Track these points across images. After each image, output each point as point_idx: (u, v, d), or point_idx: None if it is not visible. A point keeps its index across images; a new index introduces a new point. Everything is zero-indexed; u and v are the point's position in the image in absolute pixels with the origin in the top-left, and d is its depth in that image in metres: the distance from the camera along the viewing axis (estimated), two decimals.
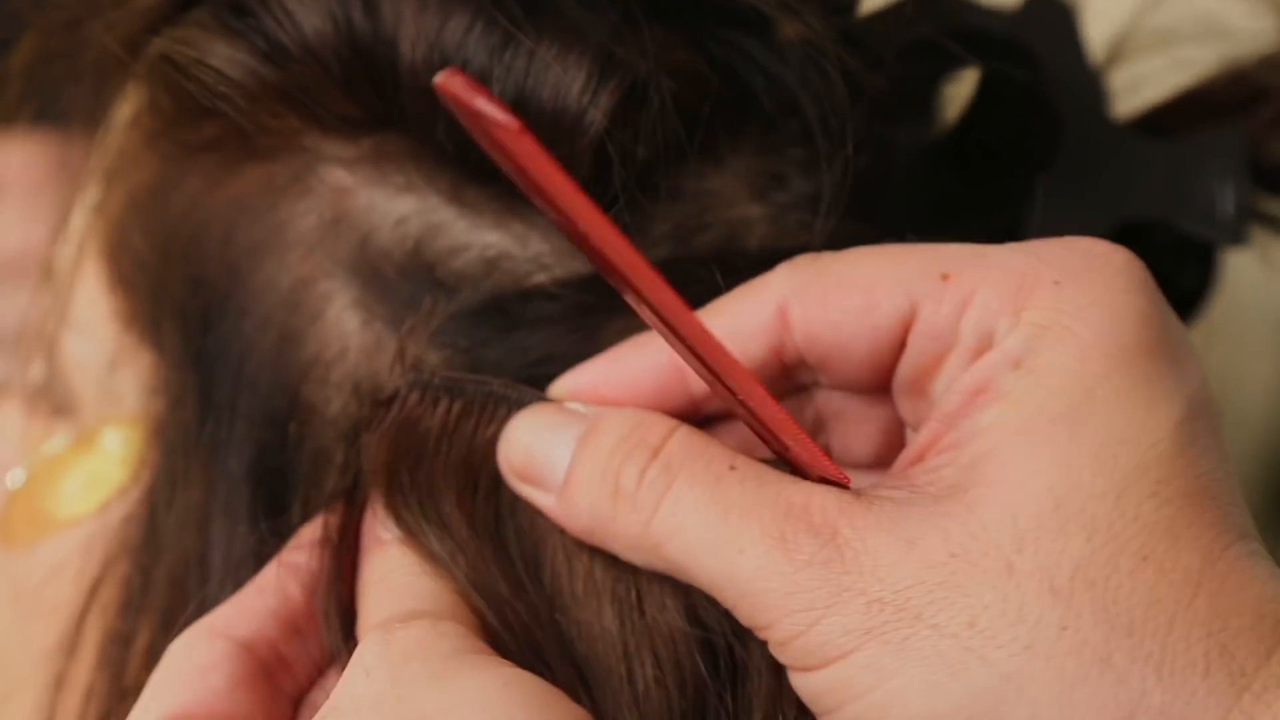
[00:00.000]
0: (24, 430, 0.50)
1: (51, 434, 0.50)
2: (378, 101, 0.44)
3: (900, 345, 0.42)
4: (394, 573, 0.43)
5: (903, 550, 0.40)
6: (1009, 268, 0.42)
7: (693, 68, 0.44)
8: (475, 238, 0.45)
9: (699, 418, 0.44)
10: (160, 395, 0.46)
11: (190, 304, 0.46)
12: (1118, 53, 0.53)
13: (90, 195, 0.49)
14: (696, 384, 0.43)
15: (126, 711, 0.45)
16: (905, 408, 0.43)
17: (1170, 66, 0.54)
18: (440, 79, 0.36)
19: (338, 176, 0.45)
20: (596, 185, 0.44)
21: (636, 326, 0.44)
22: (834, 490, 0.41)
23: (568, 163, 0.43)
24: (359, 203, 0.45)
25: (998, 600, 0.39)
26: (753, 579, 0.40)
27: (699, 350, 0.40)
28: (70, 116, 0.50)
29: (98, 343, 0.48)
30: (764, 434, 0.41)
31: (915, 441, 0.42)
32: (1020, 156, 0.49)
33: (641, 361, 0.43)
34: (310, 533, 0.44)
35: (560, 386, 0.44)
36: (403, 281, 0.45)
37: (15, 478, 0.50)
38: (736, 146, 0.45)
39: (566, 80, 0.43)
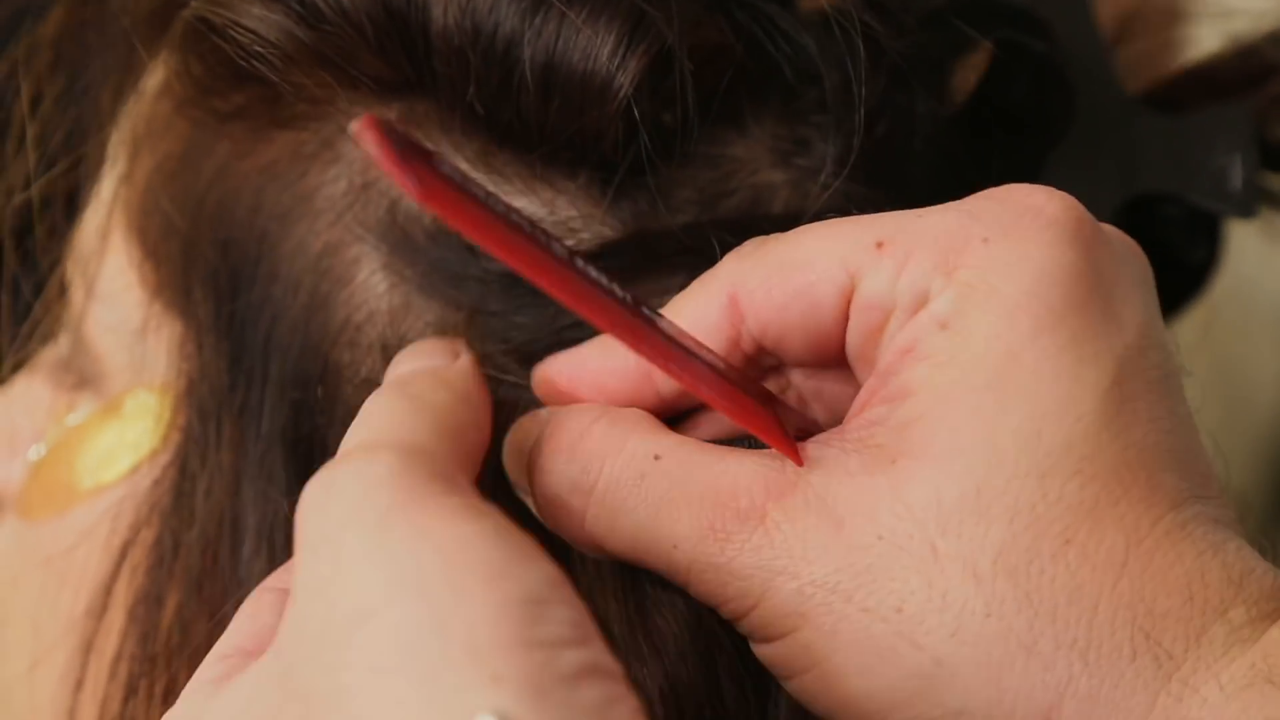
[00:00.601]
0: (51, 403, 0.50)
1: (76, 406, 0.50)
2: (409, 64, 0.45)
3: (844, 318, 0.42)
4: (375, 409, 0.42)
5: (831, 533, 0.40)
6: (942, 228, 0.41)
7: (718, 34, 0.45)
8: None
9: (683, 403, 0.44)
10: (190, 361, 0.47)
11: (220, 270, 0.47)
12: (1127, 28, 0.54)
13: (118, 164, 0.49)
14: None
15: (157, 676, 0.46)
16: (862, 379, 0.43)
17: (1178, 43, 0.55)
18: (354, 127, 0.36)
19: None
20: (624, 149, 0.44)
21: (663, 291, 0.45)
22: (763, 469, 0.41)
23: (596, 127, 0.44)
24: None
25: (923, 586, 0.39)
26: (690, 571, 0.41)
27: (642, 348, 0.40)
28: (99, 86, 0.50)
29: (125, 311, 0.48)
30: (732, 418, 0.42)
31: (856, 400, 0.42)
32: (1034, 128, 0.50)
33: (614, 350, 0.44)
34: None
35: (536, 375, 0.44)
36: (431, 246, 0.45)
37: (39, 449, 0.51)
38: (759, 113, 0.46)
39: (596, 45, 0.43)
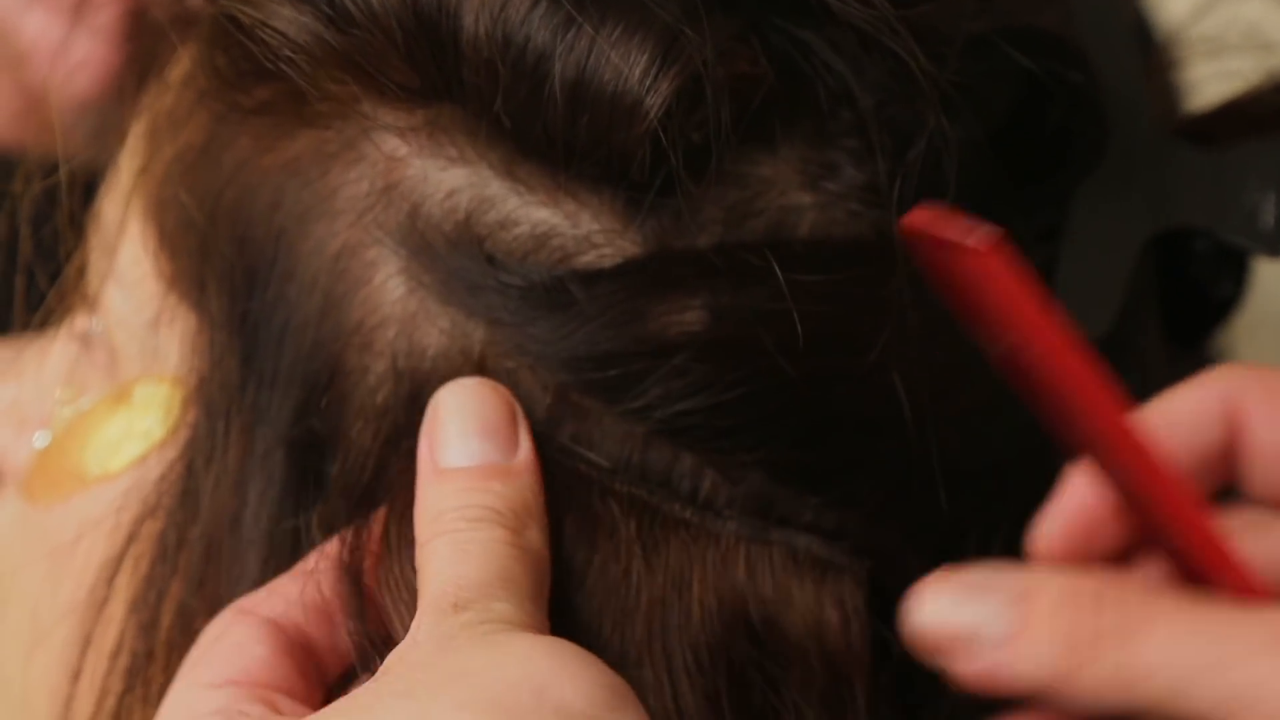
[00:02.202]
0: (61, 387, 0.50)
1: (86, 392, 0.50)
2: (437, 72, 0.44)
3: None
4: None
5: None
6: None
7: (751, 57, 0.44)
8: (526, 213, 0.45)
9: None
10: (202, 355, 0.46)
11: (235, 266, 0.46)
12: (1164, 60, 0.53)
13: (138, 154, 0.49)
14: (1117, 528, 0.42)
15: (155, 670, 0.46)
16: None
17: (1216, 76, 0.54)
18: (908, 220, 0.36)
19: (391, 145, 0.45)
20: (651, 169, 0.44)
21: (675, 312, 0.44)
22: None
23: (623, 146, 0.43)
24: (411, 172, 0.45)
25: None
26: (1260, 689, 0.38)
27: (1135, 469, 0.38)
28: (123, 74, 0.49)
29: (139, 301, 0.48)
30: (1190, 561, 0.40)
31: None
32: (1066, 158, 0.49)
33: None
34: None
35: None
36: (451, 253, 0.45)
37: (47, 432, 0.50)
38: (790, 134, 0.45)
39: (628, 65, 0.43)
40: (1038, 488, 0.49)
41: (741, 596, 0.44)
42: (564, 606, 0.44)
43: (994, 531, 0.48)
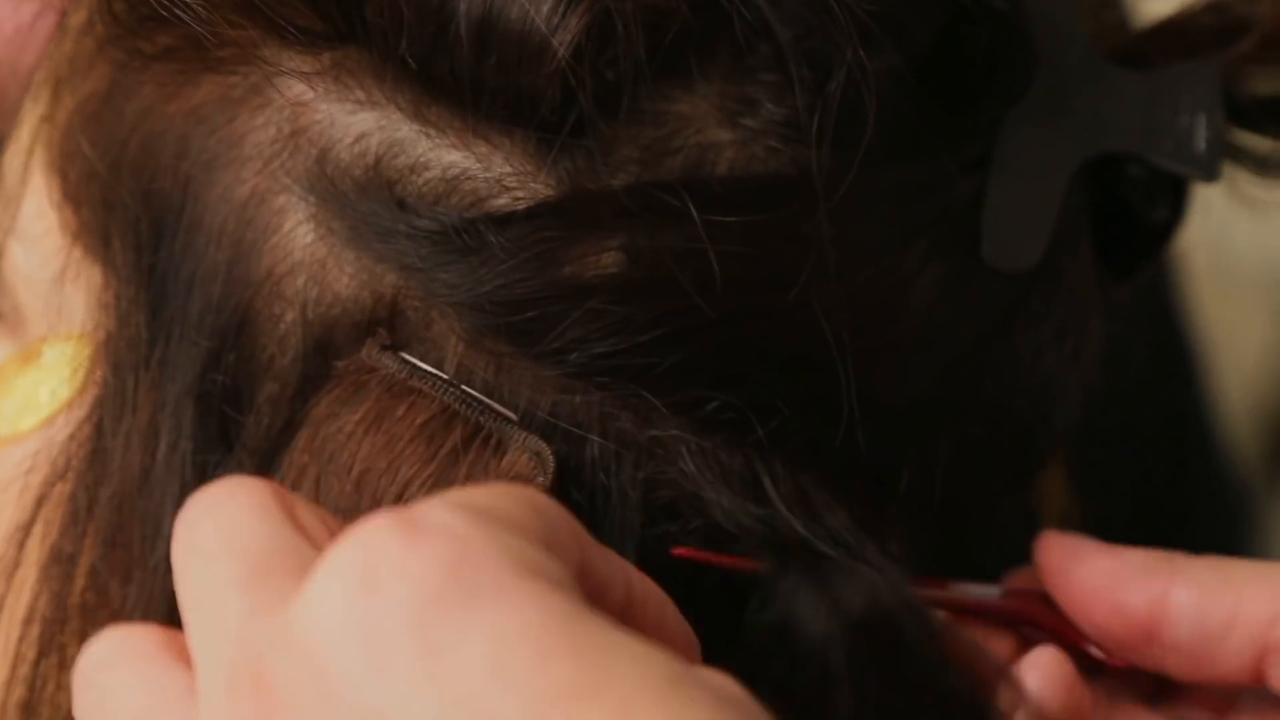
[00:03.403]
0: None
1: None
2: (339, 14, 0.43)
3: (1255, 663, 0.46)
4: None
5: None
6: None
7: None
8: (436, 157, 0.44)
9: None
10: (109, 311, 0.45)
11: (142, 217, 0.45)
12: None
13: (39, 104, 0.47)
14: None
15: (69, 635, 0.45)
16: None
17: None
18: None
19: (297, 90, 0.44)
20: (562, 110, 0.43)
21: (591, 254, 0.43)
22: None
23: (532, 87, 0.42)
24: (318, 117, 0.44)
25: None
26: None
27: None
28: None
29: (44, 256, 0.47)
30: None
31: None
32: (994, 86, 0.48)
33: None
34: None
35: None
36: (360, 198, 0.44)
37: None
38: (706, 70, 0.44)
39: (535, 2, 0.42)
40: (973, 426, 0.48)
41: None
42: None
43: (931, 472, 0.47)
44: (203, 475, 0.44)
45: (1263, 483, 1.00)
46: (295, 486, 0.44)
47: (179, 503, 0.44)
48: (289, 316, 0.44)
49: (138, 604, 0.45)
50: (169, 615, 0.44)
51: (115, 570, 0.45)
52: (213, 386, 0.44)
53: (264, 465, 0.44)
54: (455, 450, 0.44)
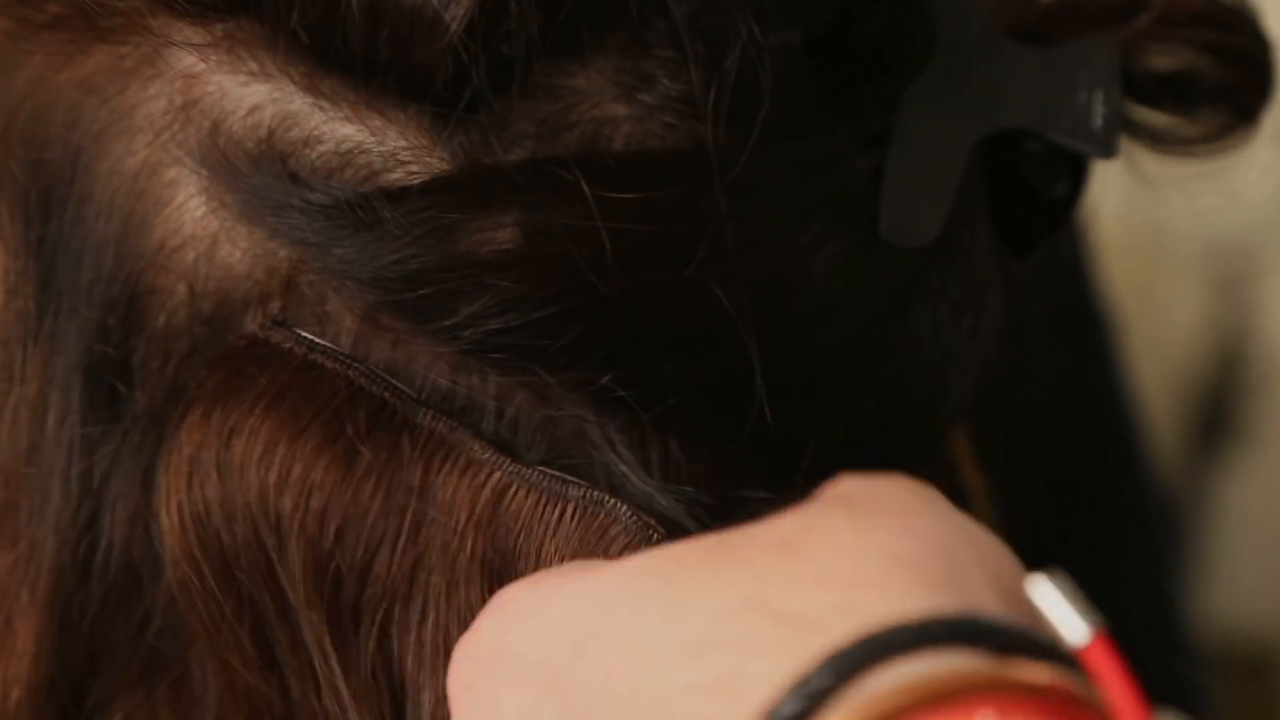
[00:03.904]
0: None
1: None
2: None
3: None
4: None
5: None
6: None
7: None
8: (330, 130, 0.44)
9: None
10: None
11: (31, 189, 0.45)
12: None
13: None
14: None
15: None
16: None
17: None
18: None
19: (188, 62, 0.44)
20: (456, 85, 0.42)
21: (487, 229, 0.43)
22: None
23: (425, 62, 0.42)
24: (210, 89, 0.44)
25: None
26: None
27: None
28: None
29: None
30: None
31: None
32: (892, 61, 0.48)
33: None
34: None
35: None
36: (253, 171, 0.43)
37: None
38: (601, 45, 0.44)
39: None
40: (870, 400, 0.48)
41: (515, 559, 0.44)
42: (334, 550, 0.43)
43: (829, 443, 0.47)
44: (91, 448, 0.43)
45: (1190, 459, 1.01)
46: (194, 463, 0.43)
47: (66, 475, 0.43)
48: (180, 290, 0.44)
49: (23, 578, 0.44)
50: (52, 590, 0.44)
51: (3, 544, 0.44)
52: (102, 359, 0.44)
53: (152, 438, 0.44)
54: (360, 429, 0.43)
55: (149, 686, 0.45)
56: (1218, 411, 0.98)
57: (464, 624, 0.43)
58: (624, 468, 0.44)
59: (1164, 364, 0.94)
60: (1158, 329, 0.94)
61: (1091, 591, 0.42)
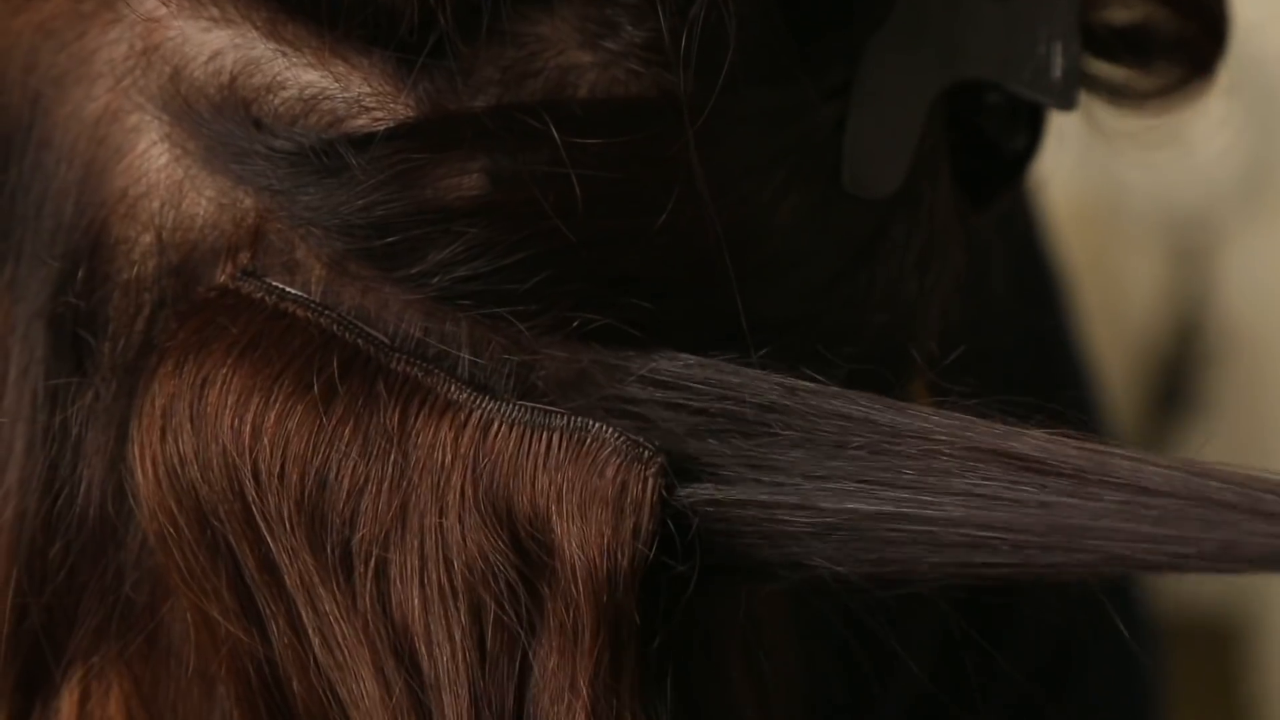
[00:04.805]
0: None
1: None
2: None
3: None
4: None
5: None
6: None
7: None
8: (294, 76, 0.43)
9: None
10: None
11: None
12: None
13: None
14: None
15: None
16: None
17: None
18: None
19: (149, 6, 0.44)
20: (421, 31, 0.42)
21: (453, 175, 0.43)
22: None
23: (391, 7, 0.42)
24: (171, 34, 0.44)
25: None
26: None
27: None
28: None
29: None
30: None
31: None
32: (856, 11, 0.48)
33: None
34: None
35: None
36: (216, 118, 0.43)
37: None
38: None
39: None
40: (833, 352, 0.48)
41: (508, 495, 0.44)
42: (317, 497, 0.43)
43: None
44: (55, 399, 0.43)
45: (1147, 428, 1.01)
46: (167, 415, 0.43)
47: (30, 426, 0.43)
48: (145, 239, 0.44)
49: None
50: (15, 541, 0.44)
51: None
52: (65, 309, 0.44)
53: (122, 389, 0.44)
54: (333, 376, 0.43)
55: (123, 640, 0.45)
56: (1175, 381, 0.98)
57: (467, 567, 0.43)
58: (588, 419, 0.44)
59: (1122, 334, 0.95)
60: (1115, 300, 0.94)
61: None
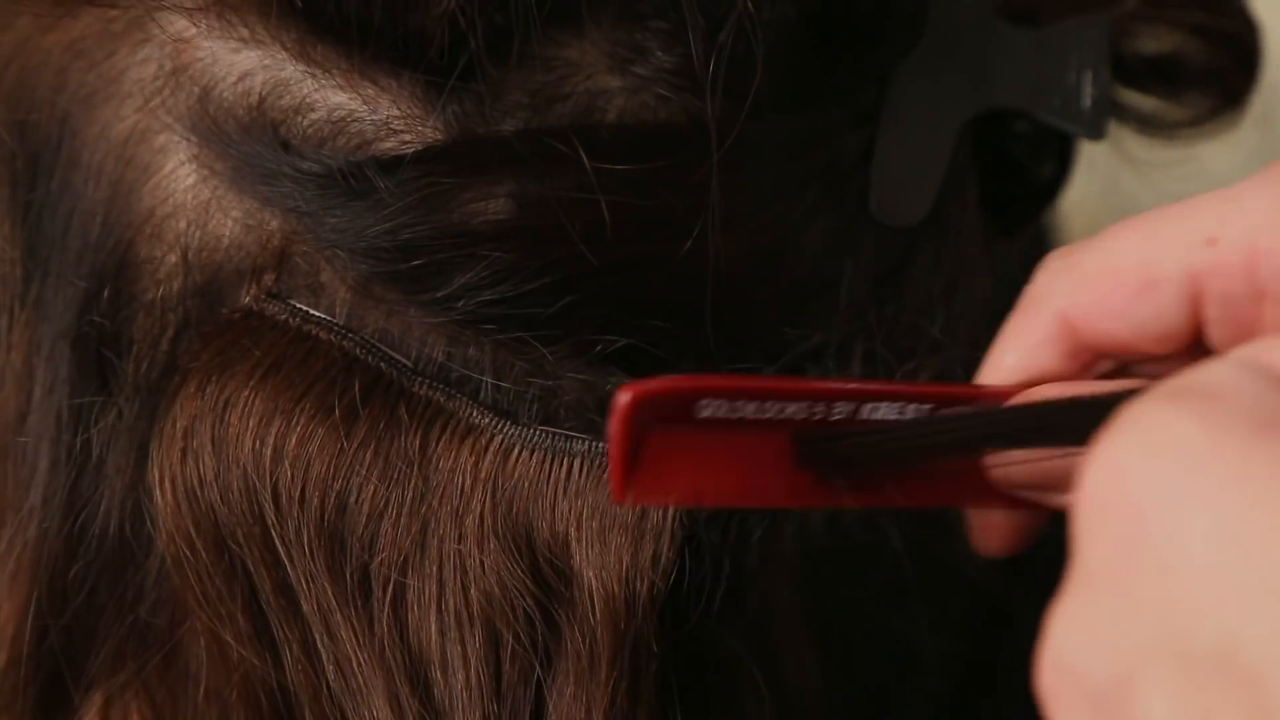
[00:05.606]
0: None
1: None
2: None
3: (1193, 315, 0.42)
4: None
5: None
6: (1266, 211, 0.41)
7: None
8: (322, 97, 0.43)
9: None
10: None
11: (18, 152, 0.44)
12: None
13: None
14: None
15: None
16: None
17: None
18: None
19: (179, 26, 0.44)
20: (451, 53, 0.42)
21: (480, 199, 0.43)
22: None
23: (421, 29, 0.42)
24: (200, 54, 0.44)
25: None
26: None
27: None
28: None
29: None
30: None
31: None
32: (884, 38, 0.48)
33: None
34: None
35: None
36: (244, 139, 0.43)
37: None
38: (596, 16, 0.44)
39: None
40: (854, 365, 0.48)
41: (528, 520, 0.43)
42: (337, 521, 0.43)
43: None
44: (79, 418, 0.43)
45: None
46: (188, 436, 0.43)
47: (55, 445, 0.43)
48: (171, 259, 0.44)
49: (10, 549, 0.44)
50: (37, 560, 0.43)
51: None
52: (90, 328, 0.44)
53: (144, 410, 0.43)
54: (355, 399, 0.43)
55: (140, 661, 0.45)
56: None
57: (485, 594, 0.43)
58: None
59: None
60: None
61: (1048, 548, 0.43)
